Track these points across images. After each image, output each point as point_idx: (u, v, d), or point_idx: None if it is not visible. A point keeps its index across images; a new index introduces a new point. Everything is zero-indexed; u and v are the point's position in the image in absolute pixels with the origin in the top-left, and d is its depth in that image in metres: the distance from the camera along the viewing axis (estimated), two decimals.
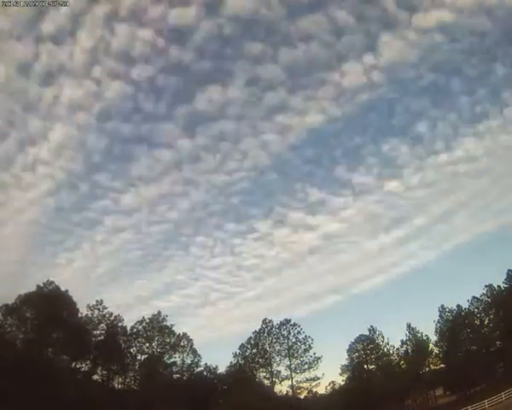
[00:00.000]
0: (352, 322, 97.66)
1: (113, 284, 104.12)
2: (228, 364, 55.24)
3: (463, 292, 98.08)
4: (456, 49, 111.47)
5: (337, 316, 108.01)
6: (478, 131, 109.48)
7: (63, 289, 42.82)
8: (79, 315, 43.70)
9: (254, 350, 50.19)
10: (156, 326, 50.71)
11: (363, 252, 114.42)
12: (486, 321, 53.28)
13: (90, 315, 46.59)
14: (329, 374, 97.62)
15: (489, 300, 53.46)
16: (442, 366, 54.19)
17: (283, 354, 49.06)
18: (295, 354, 48.68)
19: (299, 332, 49.76)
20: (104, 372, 47.25)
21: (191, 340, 54.19)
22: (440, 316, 55.09)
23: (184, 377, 52.14)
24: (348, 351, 57.38)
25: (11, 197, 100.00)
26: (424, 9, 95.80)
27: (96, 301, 47.78)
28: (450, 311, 54.16)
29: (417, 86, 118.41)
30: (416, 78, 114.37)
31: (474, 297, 54.85)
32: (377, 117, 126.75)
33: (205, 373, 58.61)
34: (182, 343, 53.01)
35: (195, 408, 52.41)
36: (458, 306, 54.21)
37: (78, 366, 43.29)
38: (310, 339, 49.28)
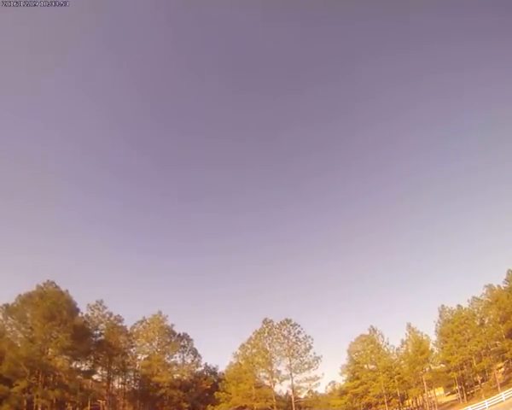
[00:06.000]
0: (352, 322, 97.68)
1: None
2: (228, 364, 55.37)
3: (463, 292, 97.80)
4: None
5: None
6: None
7: (63, 288, 42.57)
8: (80, 315, 43.50)
9: (254, 350, 50.07)
10: (156, 326, 50.62)
11: None
12: (486, 321, 53.30)
13: (90, 315, 46.49)
14: (329, 374, 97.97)
15: (489, 300, 53.50)
16: (442, 365, 54.13)
17: (283, 353, 48.88)
18: (295, 354, 48.54)
19: (299, 332, 49.62)
20: (104, 372, 47.12)
21: (191, 340, 54.23)
22: (440, 316, 55.14)
23: (184, 377, 52.08)
24: (348, 351, 57.47)
25: None
26: None
27: (96, 301, 47.70)
28: (450, 311, 54.17)
29: None
30: None
31: (474, 297, 55.00)
32: None
33: (205, 373, 58.68)
34: (182, 343, 53.03)
35: (195, 408, 52.43)
36: (458, 306, 54.28)
37: (78, 366, 43.14)
38: (310, 339, 49.20)
